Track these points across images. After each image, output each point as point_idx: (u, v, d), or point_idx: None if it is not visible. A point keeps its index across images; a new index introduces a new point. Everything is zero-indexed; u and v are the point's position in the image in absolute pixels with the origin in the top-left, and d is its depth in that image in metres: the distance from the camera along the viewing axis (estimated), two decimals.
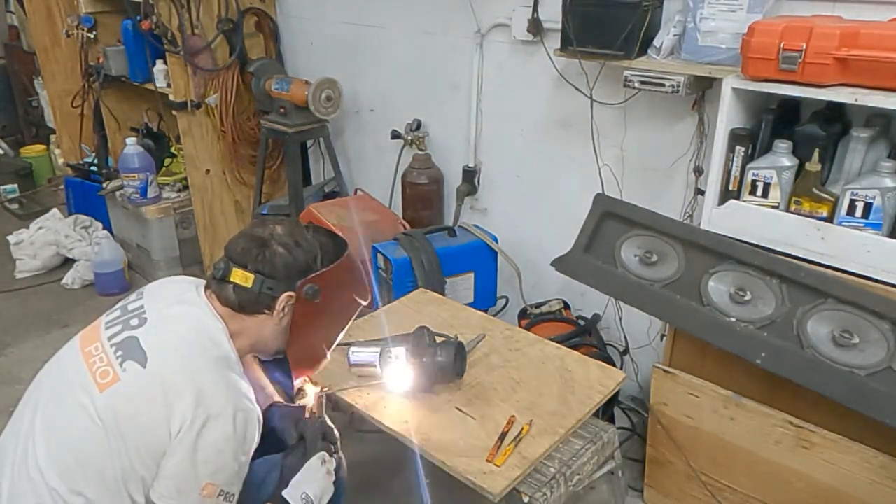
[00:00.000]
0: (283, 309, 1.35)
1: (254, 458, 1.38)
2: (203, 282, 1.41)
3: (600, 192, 2.18)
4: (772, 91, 1.61)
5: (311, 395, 1.57)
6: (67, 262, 3.59)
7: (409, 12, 2.84)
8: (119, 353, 1.24)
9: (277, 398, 1.63)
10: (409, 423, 1.58)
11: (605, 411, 2.14)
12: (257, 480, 1.37)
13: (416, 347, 1.69)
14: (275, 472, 1.42)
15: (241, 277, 1.32)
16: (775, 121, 1.73)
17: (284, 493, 1.35)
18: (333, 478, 1.44)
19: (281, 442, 1.48)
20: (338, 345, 1.82)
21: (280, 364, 1.56)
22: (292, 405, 1.59)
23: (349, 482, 1.58)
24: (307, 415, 1.47)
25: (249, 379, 1.51)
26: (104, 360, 1.24)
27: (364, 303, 1.52)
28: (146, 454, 1.19)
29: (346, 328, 1.54)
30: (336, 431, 1.53)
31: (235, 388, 1.25)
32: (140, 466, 1.19)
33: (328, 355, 1.52)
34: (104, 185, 3.52)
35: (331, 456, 1.44)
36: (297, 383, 1.57)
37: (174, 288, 1.41)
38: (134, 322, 1.29)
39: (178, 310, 1.32)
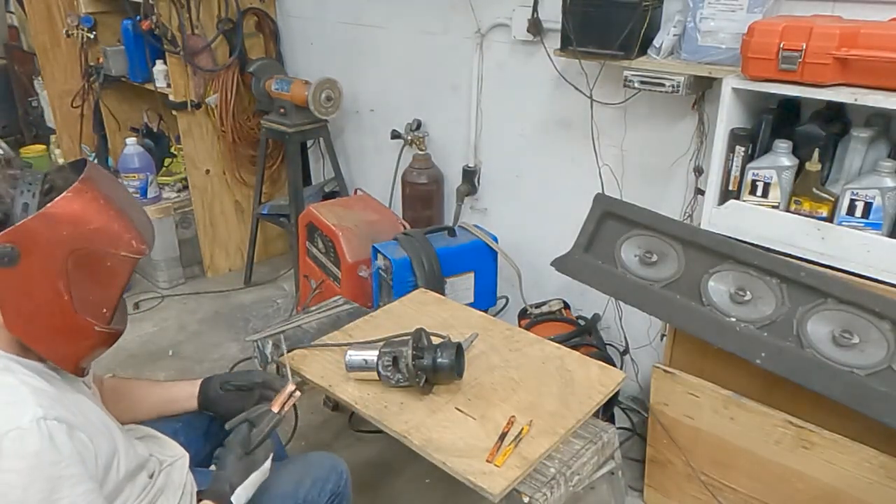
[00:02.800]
0: None
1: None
2: None
3: (600, 192, 2.18)
4: (772, 91, 1.61)
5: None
6: None
7: (409, 12, 2.84)
8: None
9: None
10: (409, 424, 1.58)
11: (605, 411, 2.14)
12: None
13: (416, 348, 1.68)
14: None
15: None
16: (775, 121, 1.73)
17: (233, 499, 1.24)
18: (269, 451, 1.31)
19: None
20: (336, 346, 1.85)
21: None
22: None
23: (349, 483, 1.58)
24: (276, 408, 1.34)
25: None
26: None
27: (128, 254, 1.12)
28: None
29: (117, 290, 1.16)
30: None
31: None
32: None
33: (105, 326, 1.16)
34: None
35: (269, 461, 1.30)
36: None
37: None
38: None
39: None
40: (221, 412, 1.49)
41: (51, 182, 1.07)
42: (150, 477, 1.28)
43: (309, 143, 3.52)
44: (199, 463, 1.47)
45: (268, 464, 1.30)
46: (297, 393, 1.35)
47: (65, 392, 1.14)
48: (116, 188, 1.18)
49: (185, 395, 1.53)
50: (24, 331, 1.09)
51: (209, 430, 1.56)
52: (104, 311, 1.15)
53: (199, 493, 1.31)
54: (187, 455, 1.36)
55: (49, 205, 1.04)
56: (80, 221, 1.07)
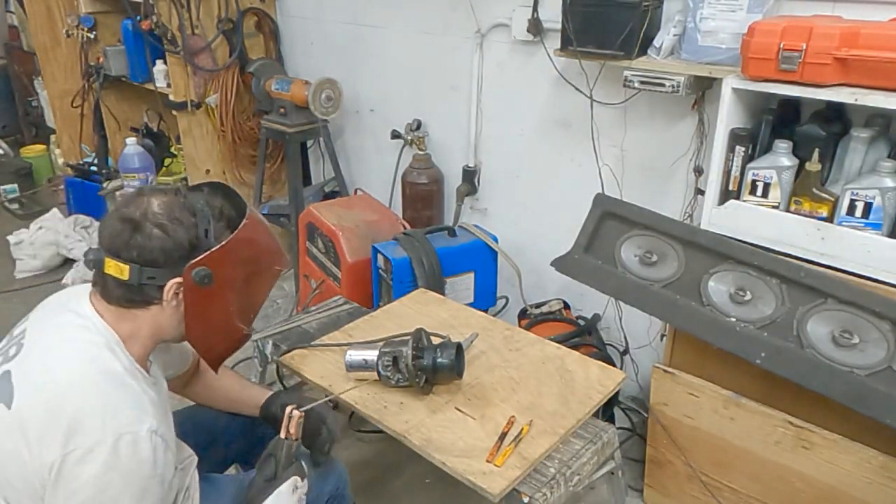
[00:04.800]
0: (175, 296, 1.16)
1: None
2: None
3: (600, 192, 2.18)
4: (772, 91, 1.61)
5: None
6: (67, 262, 3.59)
7: (409, 12, 2.84)
8: None
9: (265, 391, 1.58)
10: (409, 424, 1.58)
11: (605, 411, 2.14)
12: (225, 498, 1.33)
13: (416, 349, 1.68)
14: (225, 492, 1.36)
15: (116, 269, 1.12)
16: (775, 121, 1.73)
17: None
18: (304, 502, 1.33)
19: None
20: (336, 346, 1.85)
21: None
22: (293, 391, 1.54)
23: (348, 485, 1.58)
24: (283, 434, 1.35)
25: (226, 380, 1.47)
26: None
27: (279, 268, 1.33)
28: (27, 500, 1.07)
29: (264, 298, 1.36)
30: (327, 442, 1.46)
31: (116, 410, 1.07)
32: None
33: (249, 330, 1.34)
34: (104, 185, 3.52)
35: (303, 481, 1.33)
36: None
37: (58, 300, 1.25)
38: (12, 351, 1.16)
39: (54, 329, 1.17)
40: (275, 427, 1.49)
41: (214, 208, 1.21)
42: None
43: (309, 143, 3.52)
44: (234, 457, 1.62)
45: (284, 486, 1.29)
46: (295, 413, 1.35)
47: (166, 406, 1.25)
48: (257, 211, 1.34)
49: (254, 402, 1.56)
50: (198, 338, 1.25)
51: (220, 439, 1.58)
52: (251, 316, 1.35)
53: None
54: (196, 458, 1.38)
55: (236, 232, 1.19)
56: (255, 244, 1.25)
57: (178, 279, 1.14)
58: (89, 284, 1.21)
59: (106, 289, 1.16)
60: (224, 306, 1.24)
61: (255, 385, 1.63)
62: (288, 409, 1.36)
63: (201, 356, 1.32)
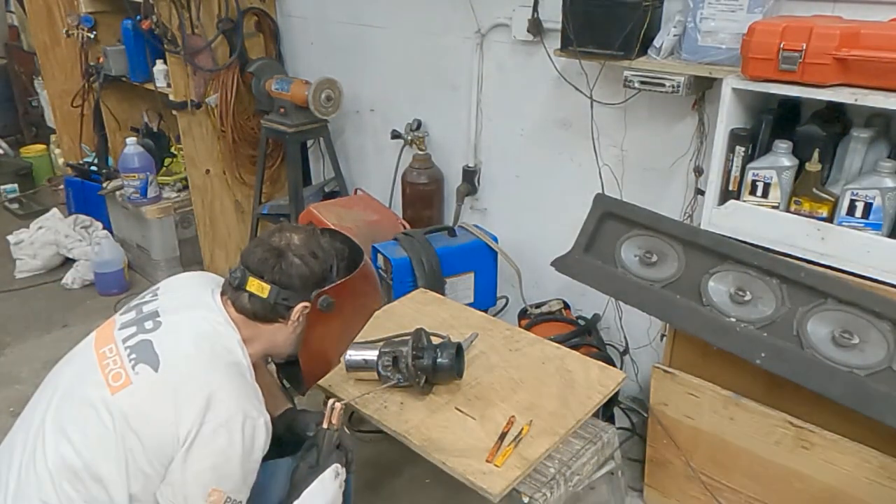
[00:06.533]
0: (298, 318, 1.36)
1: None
2: (219, 283, 1.42)
3: (600, 192, 2.18)
4: (772, 91, 1.61)
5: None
6: (67, 262, 3.59)
7: (409, 12, 2.83)
8: (133, 356, 1.25)
9: (288, 404, 1.64)
10: (409, 424, 1.58)
11: (605, 411, 2.14)
12: (260, 483, 1.35)
13: (416, 349, 1.68)
14: (278, 476, 1.41)
15: (258, 287, 1.32)
16: (775, 121, 1.73)
17: None
18: (343, 489, 1.42)
19: (294, 446, 1.49)
20: None
21: (287, 371, 1.57)
22: (313, 411, 1.60)
23: (351, 483, 1.58)
24: (325, 424, 1.45)
25: (260, 385, 1.51)
26: (117, 362, 1.25)
27: (377, 308, 1.55)
28: (154, 458, 1.19)
29: (359, 333, 1.55)
30: (351, 445, 1.51)
31: (245, 396, 1.25)
32: (147, 467, 1.19)
33: (340, 360, 1.55)
34: (104, 185, 3.52)
35: (343, 468, 1.42)
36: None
37: (190, 290, 1.41)
38: (148, 325, 1.30)
39: (192, 314, 1.33)
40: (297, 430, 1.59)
41: (339, 250, 1.43)
42: None
43: (309, 143, 3.51)
44: None
45: (327, 473, 1.37)
46: (337, 405, 1.46)
47: None
48: None
49: (277, 409, 1.61)
50: (307, 358, 1.45)
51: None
52: (344, 348, 1.59)
53: None
54: None
55: (357, 270, 1.42)
56: (368, 284, 1.48)
57: (306, 303, 1.35)
58: (210, 280, 1.44)
59: (240, 301, 1.34)
60: (333, 333, 1.46)
61: (281, 393, 1.68)
62: (330, 401, 1.47)
63: (304, 374, 1.49)
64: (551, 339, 1.98)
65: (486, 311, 2.45)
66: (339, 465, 1.40)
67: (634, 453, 2.26)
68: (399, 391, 1.68)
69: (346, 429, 1.50)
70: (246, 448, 1.22)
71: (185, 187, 3.45)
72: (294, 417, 1.60)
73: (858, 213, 1.57)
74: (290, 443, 1.51)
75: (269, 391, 1.61)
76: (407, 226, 2.76)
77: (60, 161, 4.32)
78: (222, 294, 1.38)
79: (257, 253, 1.35)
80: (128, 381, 1.22)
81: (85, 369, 1.27)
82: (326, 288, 1.36)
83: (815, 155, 1.64)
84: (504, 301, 2.76)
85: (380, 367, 1.67)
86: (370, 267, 1.49)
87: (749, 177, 1.72)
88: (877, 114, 1.67)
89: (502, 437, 1.53)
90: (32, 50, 4.18)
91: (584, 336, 2.26)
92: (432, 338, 1.76)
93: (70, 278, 3.46)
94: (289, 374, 1.58)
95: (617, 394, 2.00)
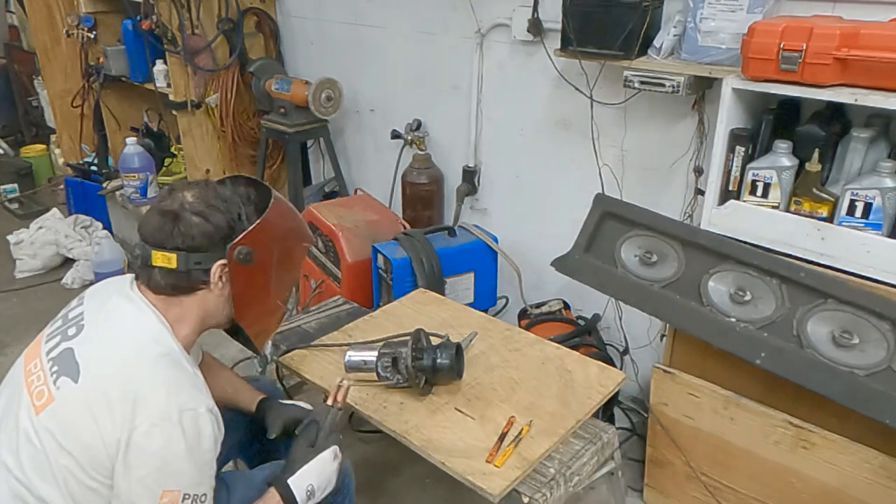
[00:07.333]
0: (220, 278, 1.25)
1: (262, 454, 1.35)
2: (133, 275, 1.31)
3: (600, 192, 2.18)
4: (772, 91, 1.61)
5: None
6: (67, 262, 3.59)
7: (409, 12, 2.83)
8: (54, 368, 1.18)
9: (261, 393, 1.61)
10: (408, 424, 1.58)
11: (605, 411, 2.14)
12: (255, 485, 1.35)
13: (416, 349, 1.68)
14: (237, 489, 1.37)
15: (163, 259, 1.21)
16: (775, 121, 1.73)
17: (290, 481, 1.31)
18: (338, 472, 1.40)
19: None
20: (336, 346, 1.85)
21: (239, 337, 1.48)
22: (292, 402, 1.58)
23: (353, 481, 1.58)
24: (330, 401, 1.41)
25: (218, 376, 1.48)
26: (41, 378, 1.18)
27: (308, 244, 1.45)
28: (94, 472, 1.12)
29: (297, 275, 1.47)
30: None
31: (179, 387, 1.16)
32: (91, 482, 1.13)
33: (286, 308, 1.45)
34: (104, 184, 3.52)
35: (341, 450, 1.40)
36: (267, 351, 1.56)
37: (109, 287, 1.32)
38: (71, 331, 1.23)
39: (111, 311, 1.24)
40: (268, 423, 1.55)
41: (241, 195, 1.30)
42: None
43: (309, 143, 3.52)
44: (237, 452, 1.66)
45: (326, 453, 1.36)
46: (345, 383, 1.45)
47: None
48: None
49: (247, 401, 1.59)
50: (246, 316, 1.33)
51: (251, 423, 1.60)
52: (287, 294, 1.44)
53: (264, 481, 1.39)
54: None
55: (267, 211, 1.28)
56: (285, 222, 1.36)
57: (223, 261, 1.24)
58: (131, 276, 1.30)
59: (153, 280, 1.23)
60: (265, 283, 1.33)
61: (250, 387, 1.64)
62: (338, 379, 1.46)
63: (250, 334, 1.39)
64: (551, 340, 1.98)
65: (486, 311, 2.45)
66: (338, 448, 1.38)
67: (634, 453, 2.26)
68: (399, 391, 1.68)
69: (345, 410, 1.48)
70: (190, 442, 1.13)
71: None
72: (269, 407, 1.56)
73: (858, 213, 1.57)
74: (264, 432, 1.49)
75: (227, 383, 1.59)
76: (407, 226, 2.76)
77: (60, 161, 4.32)
78: (138, 281, 1.27)
79: (151, 222, 1.23)
80: (50, 398, 1.15)
81: (14, 390, 1.22)
82: (238, 238, 1.24)
83: (815, 155, 1.64)
84: (504, 301, 2.76)
85: (379, 368, 1.67)
86: (283, 203, 1.36)
87: (749, 177, 1.72)
88: (877, 114, 1.67)
89: (502, 437, 1.53)
90: (32, 50, 4.18)
91: (584, 336, 2.25)
92: (432, 338, 1.76)
93: (70, 278, 3.46)
94: (242, 340, 1.47)
95: (617, 394, 2.00)
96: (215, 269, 1.24)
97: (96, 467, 1.12)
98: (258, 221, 1.26)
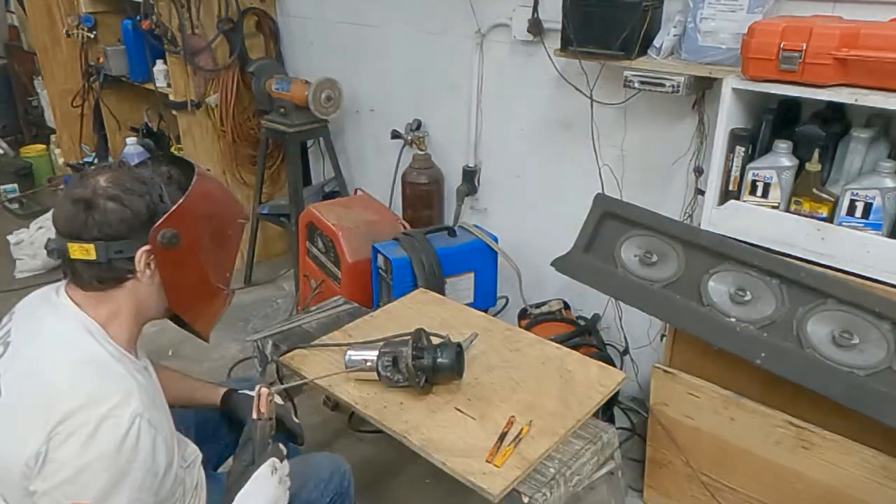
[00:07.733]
0: (147, 265, 1.16)
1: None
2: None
3: (600, 192, 2.18)
4: (772, 91, 1.61)
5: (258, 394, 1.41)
6: None
7: (409, 12, 2.84)
8: None
9: (222, 387, 1.59)
10: (408, 424, 1.58)
11: (605, 411, 2.14)
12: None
13: (416, 349, 1.68)
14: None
15: (81, 251, 1.11)
16: (775, 121, 1.73)
17: None
18: (288, 484, 1.31)
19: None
20: (336, 346, 1.85)
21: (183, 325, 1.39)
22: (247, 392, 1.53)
23: (353, 483, 1.58)
24: (255, 415, 1.33)
25: (171, 378, 1.45)
26: None
27: (241, 220, 1.36)
28: (22, 497, 1.07)
29: (234, 254, 1.37)
30: (293, 424, 1.48)
31: (101, 397, 1.06)
32: None
33: (229, 290, 1.35)
34: None
35: (282, 461, 1.30)
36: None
37: (38, 297, 1.25)
38: None
39: (33, 325, 1.17)
40: (240, 416, 1.51)
41: (161, 174, 1.21)
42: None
43: (309, 143, 3.52)
44: (231, 452, 1.52)
45: (262, 469, 1.27)
46: (264, 391, 1.36)
47: (156, 393, 1.22)
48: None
49: (207, 397, 1.57)
50: (181, 303, 1.25)
51: (218, 432, 1.58)
52: (227, 274, 1.35)
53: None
54: (200, 454, 1.38)
55: (189, 189, 1.19)
56: (211, 198, 1.27)
57: (147, 246, 1.14)
58: (63, 281, 1.20)
59: (76, 275, 1.15)
60: (197, 266, 1.25)
61: (204, 383, 1.62)
62: (257, 388, 1.36)
63: (189, 322, 1.31)
64: (551, 340, 1.98)
65: (486, 311, 2.45)
66: (276, 460, 1.28)
67: (634, 453, 2.26)
68: (399, 391, 1.68)
69: (291, 404, 1.42)
70: (106, 451, 1.04)
71: None
72: (237, 400, 1.53)
73: (858, 213, 1.57)
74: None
75: (177, 384, 1.55)
76: (407, 226, 2.76)
77: (60, 161, 4.33)
78: (64, 276, 1.19)
79: (64, 212, 1.13)
80: None
81: None
82: (160, 220, 1.14)
83: (815, 155, 1.64)
84: (504, 301, 2.76)
85: (380, 368, 1.67)
86: (208, 179, 1.27)
87: (749, 177, 1.72)
88: (877, 114, 1.67)
89: (502, 437, 1.53)
90: (32, 50, 4.18)
91: (584, 336, 2.26)
92: (432, 338, 1.76)
93: None
94: (189, 328, 1.39)
95: (617, 394, 2.00)
96: (139, 256, 1.14)
97: (23, 493, 1.06)
98: (180, 201, 1.17)
